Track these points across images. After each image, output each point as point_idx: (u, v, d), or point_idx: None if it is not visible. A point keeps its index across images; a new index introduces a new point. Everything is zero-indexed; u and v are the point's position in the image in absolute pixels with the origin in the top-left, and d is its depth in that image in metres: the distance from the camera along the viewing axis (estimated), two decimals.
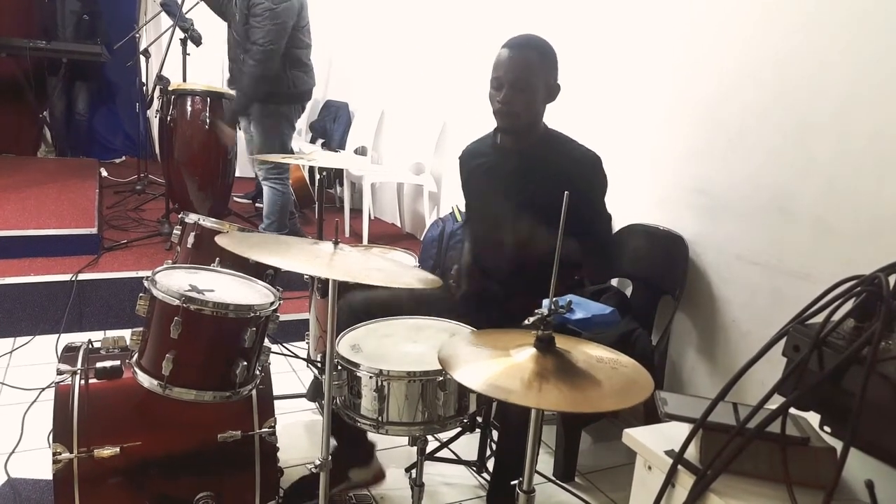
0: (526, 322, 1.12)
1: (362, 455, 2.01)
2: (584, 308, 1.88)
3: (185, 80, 3.96)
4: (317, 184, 2.25)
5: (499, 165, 1.94)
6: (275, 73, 3.20)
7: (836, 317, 0.93)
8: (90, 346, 1.66)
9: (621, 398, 1.01)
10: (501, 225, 1.93)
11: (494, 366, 1.07)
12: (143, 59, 4.44)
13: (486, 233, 2.02)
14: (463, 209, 2.25)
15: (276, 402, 1.70)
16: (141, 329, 1.50)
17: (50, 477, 1.47)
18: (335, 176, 4.78)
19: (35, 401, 2.07)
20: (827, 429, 1.02)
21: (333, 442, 1.88)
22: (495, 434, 2.02)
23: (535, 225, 1.75)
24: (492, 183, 1.96)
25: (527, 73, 1.78)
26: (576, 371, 1.06)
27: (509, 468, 1.80)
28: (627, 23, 2.63)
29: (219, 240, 1.41)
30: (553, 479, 2.15)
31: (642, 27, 2.55)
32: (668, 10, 2.43)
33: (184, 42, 3.91)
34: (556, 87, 1.85)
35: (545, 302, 1.13)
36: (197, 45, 3.99)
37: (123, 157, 6.13)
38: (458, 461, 2.16)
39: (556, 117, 1.94)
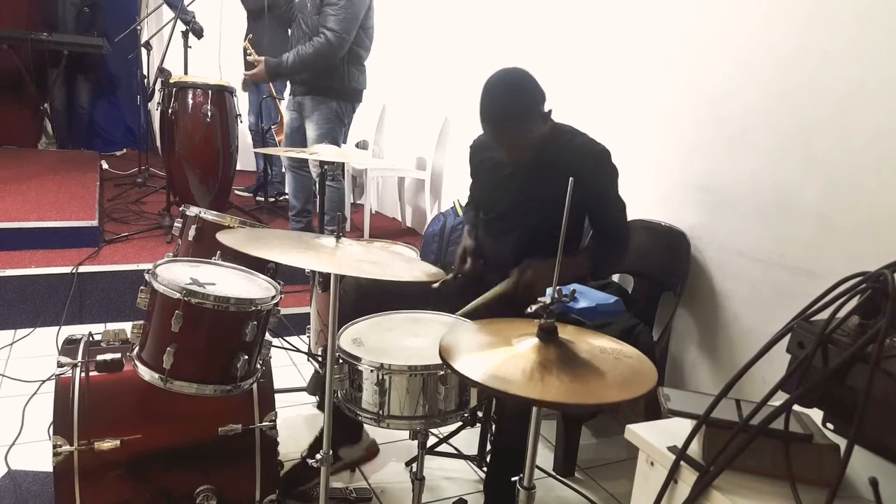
0: (528, 310, 1.11)
1: (350, 432, 2.00)
2: (587, 297, 1.86)
3: (186, 72, 3.94)
4: (318, 178, 2.24)
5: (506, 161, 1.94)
6: (331, 65, 3.19)
7: (841, 314, 0.92)
8: (91, 338, 1.65)
9: (625, 389, 0.98)
10: (507, 220, 1.93)
11: (496, 356, 1.05)
12: (144, 51, 4.42)
13: (492, 227, 2.02)
14: (464, 202, 2.23)
15: (277, 396, 1.70)
16: (142, 322, 1.49)
17: (50, 469, 1.47)
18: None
19: (35, 393, 2.07)
20: (830, 426, 1.02)
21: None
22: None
23: (541, 218, 1.74)
24: (499, 178, 1.96)
25: (519, 133, 1.77)
26: (579, 361, 1.04)
27: (507, 460, 1.80)
28: (630, 20, 2.61)
29: (220, 237, 1.40)
30: (553, 473, 2.15)
31: (645, 25, 2.54)
32: (670, 8, 2.42)
33: (185, 35, 3.89)
34: (548, 113, 1.82)
35: (548, 290, 1.12)
36: (198, 38, 3.98)
37: (124, 150, 6.11)
38: (459, 455, 2.17)
39: (560, 115, 1.93)
